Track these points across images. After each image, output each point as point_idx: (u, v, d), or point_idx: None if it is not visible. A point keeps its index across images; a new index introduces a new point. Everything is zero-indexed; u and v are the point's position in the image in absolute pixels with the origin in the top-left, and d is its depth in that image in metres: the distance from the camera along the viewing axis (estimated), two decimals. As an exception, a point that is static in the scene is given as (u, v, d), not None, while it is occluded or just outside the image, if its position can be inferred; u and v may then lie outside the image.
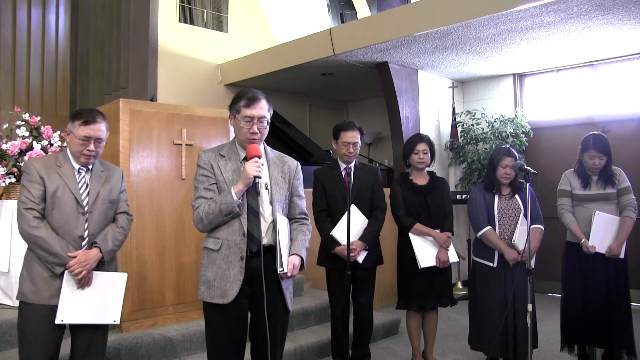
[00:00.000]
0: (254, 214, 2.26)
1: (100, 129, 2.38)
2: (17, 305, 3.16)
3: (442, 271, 3.43)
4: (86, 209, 2.37)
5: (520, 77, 6.40)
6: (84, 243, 2.36)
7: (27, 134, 3.53)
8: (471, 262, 3.58)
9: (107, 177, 2.50)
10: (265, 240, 2.27)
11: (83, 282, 2.32)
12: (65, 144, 3.55)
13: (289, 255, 2.30)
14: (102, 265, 2.39)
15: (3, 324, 2.99)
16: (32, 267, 2.33)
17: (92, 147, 2.36)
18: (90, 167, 2.44)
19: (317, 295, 4.37)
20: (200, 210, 2.26)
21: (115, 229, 2.47)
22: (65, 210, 2.34)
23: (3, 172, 3.39)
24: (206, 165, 2.33)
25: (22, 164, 3.40)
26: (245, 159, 2.30)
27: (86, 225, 2.37)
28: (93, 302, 2.36)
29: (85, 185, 2.41)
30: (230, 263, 2.25)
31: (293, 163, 2.48)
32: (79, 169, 2.41)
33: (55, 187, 2.33)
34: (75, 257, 2.29)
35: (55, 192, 2.33)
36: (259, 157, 2.27)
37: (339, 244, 3.29)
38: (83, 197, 2.38)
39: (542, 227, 3.34)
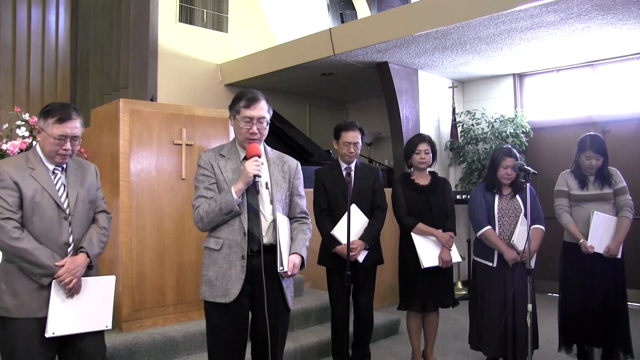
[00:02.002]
0: (254, 213, 2.27)
1: (76, 126, 2.22)
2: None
3: (443, 272, 3.43)
4: (68, 212, 2.24)
5: (520, 77, 6.40)
6: (69, 249, 2.24)
7: (27, 134, 3.53)
8: (471, 262, 3.58)
9: (83, 175, 2.35)
10: (265, 240, 2.28)
11: (73, 291, 2.21)
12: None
13: (289, 254, 2.31)
14: (89, 270, 2.30)
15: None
16: (12, 280, 2.16)
17: (68, 146, 2.19)
18: (64, 166, 2.29)
19: (317, 295, 4.37)
20: (201, 210, 2.27)
21: (98, 231, 2.36)
22: (47, 217, 2.18)
23: (3, 172, 3.38)
24: (206, 165, 2.34)
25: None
26: (246, 158, 2.31)
27: (70, 230, 2.24)
28: (83, 309, 2.25)
29: (62, 187, 2.26)
30: (232, 262, 2.26)
31: (293, 162, 2.49)
32: (54, 169, 2.25)
33: (33, 192, 2.16)
34: (63, 265, 2.17)
35: (34, 198, 2.16)
36: (259, 157, 2.28)
37: (340, 243, 3.29)
38: (62, 200, 2.23)
39: (543, 227, 3.34)
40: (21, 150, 3.44)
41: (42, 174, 2.22)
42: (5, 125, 3.61)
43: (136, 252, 3.34)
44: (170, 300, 3.50)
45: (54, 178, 2.25)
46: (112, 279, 2.42)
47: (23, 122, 3.54)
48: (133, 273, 3.32)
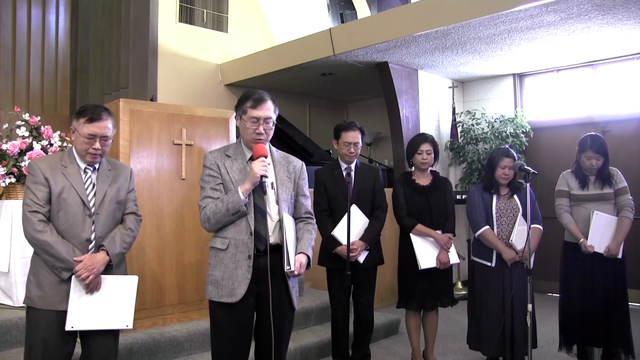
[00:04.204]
0: (261, 213, 2.28)
1: (107, 126, 2.31)
2: (17, 305, 3.19)
3: (442, 271, 3.43)
4: (93, 210, 2.30)
5: (520, 77, 6.40)
6: (91, 246, 2.30)
7: (27, 134, 3.53)
8: (470, 262, 3.59)
9: (115, 176, 2.42)
10: (272, 239, 2.29)
11: (91, 287, 2.27)
12: (66, 144, 3.58)
13: (295, 254, 2.33)
14: (110, 268, 2.34)
15: (3, 324, 2.98)
16: (39, 272, 2.26)
17: (97, 145, 2.28)
18: (97, 166, 2.37)
19: (317, 295, 4.37)
20: (208, 210, 2.28)
21: (123, 231, 2.39)
22: (71, 212, 2.27)
23: (3, 172, 3.39)
24: (212, 165, 2.35)
25: (22, 164, 3.40)
26: (252, 158, 2.33)
27: (93, 227, 2.31)
28: (103, 306, 2.30)
29: (91, 186, 2.33)
30: (238, 262, 2.27)
31: (298, 163, 2.51)
32: (85, 168, 2.34)
33: (61, 188, 2.26)
34: (81, 261, 2.23)
35: (61, 194, 2.25)
36: (266, 157, 2.29)
37: (340, 244, 3.29)
38: (89, 198, 2.31)
39: (541, 227, 3.35)
40: (21, 150, 3.45)
41: (73, 172, 2.31)
42: (5, 125, 3.61)
43: (136, 252, 3.34)
44: (170, 300, 3.50)
45: (84, 177, 2.34)
46: (134, 279, 2.44)
47: (23, 122, 3.54)
48: (133, 273, 3.28)
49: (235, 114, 2.42)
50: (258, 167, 2.23)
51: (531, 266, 3.00)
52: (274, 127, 2.40)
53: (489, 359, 3.29)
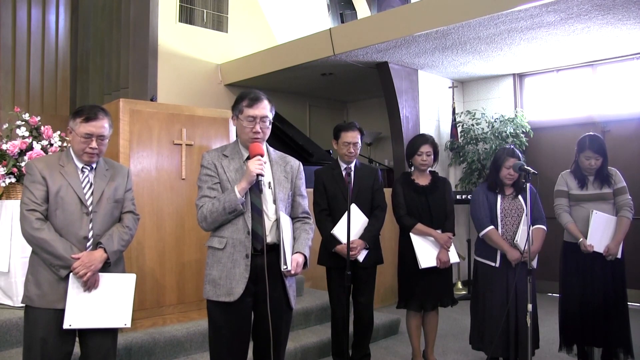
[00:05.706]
0: (258, 213, 2.29)
1: (103, 125, 2.33)
2: (17, 305, 3.19)
3: (442, 271, 3.43)
4: (90, 208, 2.32)
5: (520, 77, 6.40)
6: (88, 244, 2.31)
7: (27, 134, 3.53)
8: (472, 262, 3.58)
9: (112, 175, 2.44)
10: (269, 239, 2.29)
11: (89, 285, 2.27)
12: (66, 144, 3.59)
13: (292, 254, 2.33)
14: (107, 266, 2.34)
15: (3, 324, 2.98)
16: (37, 271, 2.27)
17: (94, 144, 2.30)
18: (94, 165, 2.39)
19: (317, 295, 4.37)
20: (205, 209, 2.29)
21: (120, 229, 2.40)
22: (69, 211, 2.28)
23: (3, 172, 3.39)
24: (209, 165, 2.36)
25: (22, 164, 3.40)
26: (249, 158, 2.33)
27: (90, 225, 2.31)
28: (101, 305, 2.30)
29: (89, 185, 2.35)
30: (236, 261, 2.27)
31: (295, 163, 2.51)
32: (83, 167, 2.35)
33: (58, 187, 2.27)
34: (79, 258, 2.24)
35: (58, 192, 2.27)
36: (262, 156, 2.30)
37: (340, 243, 3.30)
38: (87, 196, 2.32)
39: (545, 227, 3.34)
40: (21, 150, 3.45)
41: (70, 171, 2.33)
42: (5, 125, 3.61)
43: (136, 252, 3.34)
44: (170, 300, 3.50)
45: (82, 176, 2.35)
46: (132, 276, 2.44)
47: (23, 122, 3.55)
48: (132, 272, 3.31)
49: (232, 114, 2.43)
50: (254, 165, 2.23)
51: (535, 266, 2.99)
52: (270, 127, 2.40)
53: (489, 359, 3.29)
